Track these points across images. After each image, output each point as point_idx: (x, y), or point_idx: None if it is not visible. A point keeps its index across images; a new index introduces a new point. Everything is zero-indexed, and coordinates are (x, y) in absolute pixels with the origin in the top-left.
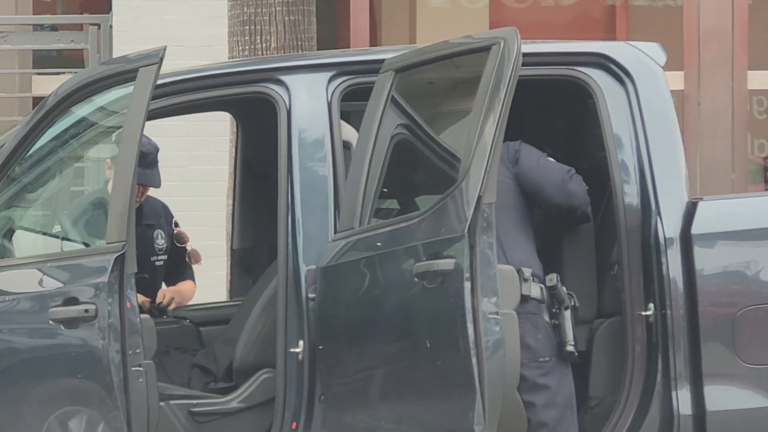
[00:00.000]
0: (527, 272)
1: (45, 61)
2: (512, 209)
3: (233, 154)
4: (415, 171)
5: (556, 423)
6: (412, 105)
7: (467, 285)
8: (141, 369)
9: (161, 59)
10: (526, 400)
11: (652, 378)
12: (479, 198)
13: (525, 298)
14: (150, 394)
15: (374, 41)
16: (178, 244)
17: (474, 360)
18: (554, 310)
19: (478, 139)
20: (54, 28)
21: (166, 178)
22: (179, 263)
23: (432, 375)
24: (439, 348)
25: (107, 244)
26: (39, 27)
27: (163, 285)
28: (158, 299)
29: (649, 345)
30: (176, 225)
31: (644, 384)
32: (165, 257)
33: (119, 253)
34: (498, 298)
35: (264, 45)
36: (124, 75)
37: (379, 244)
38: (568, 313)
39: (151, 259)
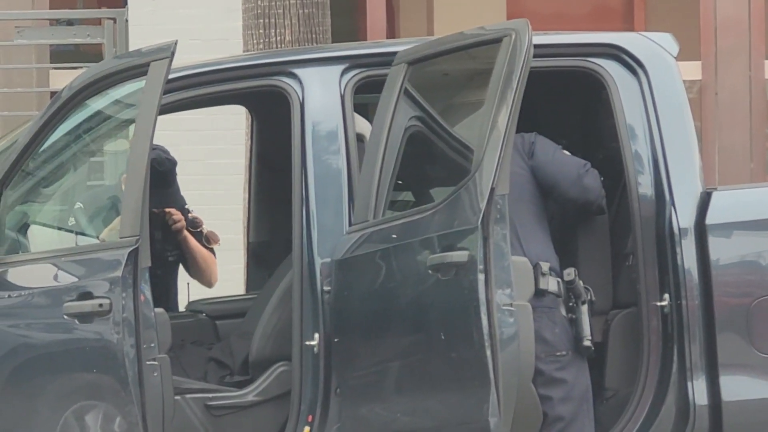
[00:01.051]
0: (545, 266)
1: (63, 55)
2: (528, 201)
3: (249, 148)
4: (429, 163)
5: (573, 417)
6: (425, 97)
7: (481, 277)
8: (156, 363)
9: (173, 53)
10: (542, 393)
11: (667, 368)
12: (492, 189)
13: (542, 293)
14: (165, 388)
15: (391, 33)
16: (193, 229)
17: (488, 352)
18: (571, 304)
19: (491, 130)
20: (70, 22)
21: (184, 172)
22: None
23: (446, 367)
24: (453, 340)
25: (121, 238)
26: (56, 22)
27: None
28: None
29: (664, 336)
30: (189, 211)
31: (660, 375)
32: (178, 252)
33: (133, 248)
34: (512, 289)
35: (278, 38)
36: (137, 69)
37: (393, 236)
38: (585, 308)
39: (164, 255)
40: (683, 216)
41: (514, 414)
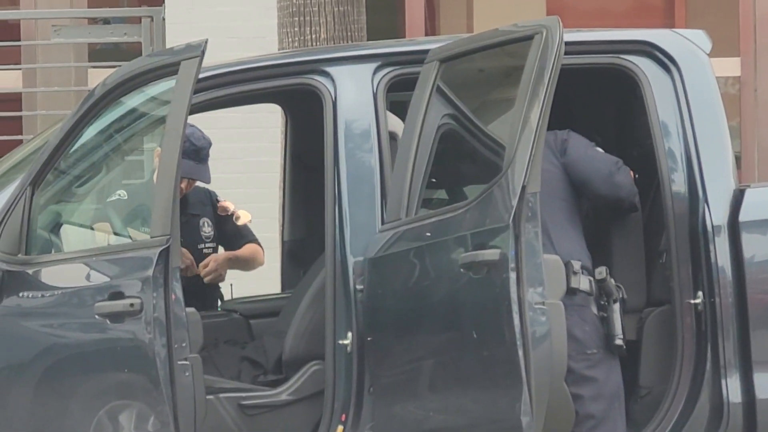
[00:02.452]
0: (576, 265)
1: (103, 54)
2: (561, 199)
3: (283, 146)
4: (461, 161)
5: (604, 415)
6: (457, 95)
7: (513, 275)
8: (187, 363)
9: (203, 52)
10: (573, 392)
11: (701, 366)
12: (524, 187)
13: (573, 291)
14: (196, 387)
15: (431, 31)
16: (222, 214)
17: (520, 351)
18: (602, 302)
19: (522, 128)
20: (107, 21)
21: (221, 170)
22: (233, 234)
23: (479, 366)
24: (485, 339)
25: (152, 238)
26: (93, 20)
27: None
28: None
29: (698, 333)
30: (219, 200)
31: (694, 372)
32: (213, 245)
33: (164, 247)
34: (544, 288)
35: (313, 36)
36: (168, 68)
37: (427, 234)
38: (616, 306)
39: (199, 247)
40: (716, 213)
41: (546, 413)
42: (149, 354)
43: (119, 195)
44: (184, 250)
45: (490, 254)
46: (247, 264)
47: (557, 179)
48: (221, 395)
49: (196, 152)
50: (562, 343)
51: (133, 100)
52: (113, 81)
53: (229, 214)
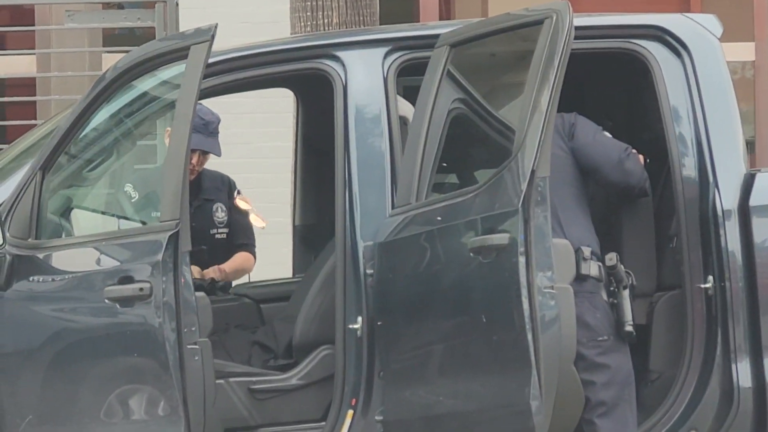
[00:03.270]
0: (587, 251)
1: (117, 38)
2: (569, 183)
3: (295, 131)
4: (472, 145)
5: (615, 401)
6: (467, 79)
7: (522, 259)
8: (197, 347)
9: (213, 37)
10: (585, 378)
11: (711, 351)
12: (533, 172)
13: (583, 277)
14: (206, 372)
15: (445, 16)
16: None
17: (529, 335)
18: (612, 288)
19: (532, 112)
20: (121, 6)
21: (235, 155)
22: (236, 230)
23: (488, 350)
24: (494, 323)
25: (161, 222)
26: (108, 5)
27: None
28: (212, 274)
29: (708, 318)
30: (238, 193)
31: (704, 357)
32: (226, 230)
33: (173, 232)
34: (553, 272)
35: (325, 21)
36: (178, 52)
37: (436, 219)
38: (626, 293)
39: (211, 232)
40: (727, 198)
41: (555, 397)
42: (159, 338)
43: (127, 190)
44: (195, 268)
45: (500, 238)
46: (234, 276)
47: (565, 164)
48: (231, 379)
49: (204, 126)
50: (571, 327)
51: (143, 85)
52: (124, 65)
53: (243, 211)
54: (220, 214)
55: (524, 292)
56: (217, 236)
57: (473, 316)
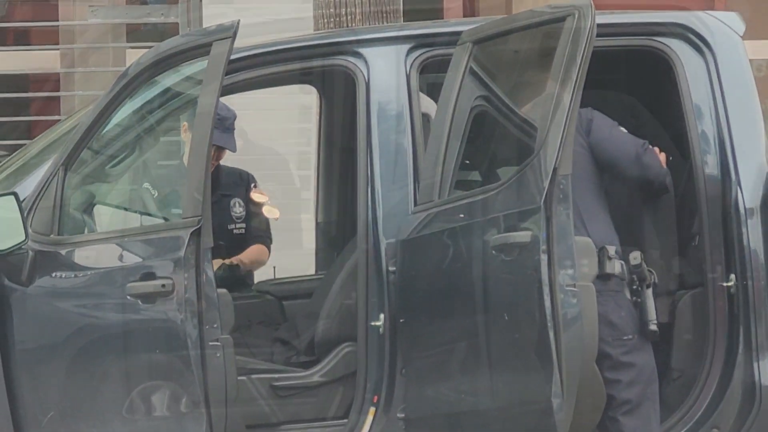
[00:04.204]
0: (611, 250)
1: (140, 35)
2: (588, 180)
3: (318, 127)
4: (494, 143)
5: (640, 400)
6: (490, 76)
7: (544, 257)
8: (218, 344)
9: (235, 33)
10: (610, 377)
11: (733, 349)
12: (555, 169)
13: (608, 276)
14: (228, 368)
15: (469, 12)
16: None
17: (551, 333)
18: (635, 287)
19: (554, 110)
20: (144, 1)
21: (256, 152)
22: (252, 224)
23: (510, 348)
24: (516, 321)
25: (183, 219)
26: (131, 0)
27: None
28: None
29: (730, 316)
30: (255, 186)
31: (726, 355)
32: (244, 225)
33: (195, 228)
34: (575, 270)
35: (349, 18)
36: (200, 48)
37: (459, 216)
38: (649, 291)
39: (229, 227)
40: (749, 195)
41: (577, 395)
42: (181, 335)
43: (148, 186)
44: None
45: (522, 236)
46: (250, 268)
47: (585, 160)
48: (254, 376)
49: (220, 121)
50: (593, 325)
51: (166, 81)
52: (146, 61)
53: (258, 204)
54: (238, 209)
55: (546, 289)
56: (235, 231)
57: (495, 313)
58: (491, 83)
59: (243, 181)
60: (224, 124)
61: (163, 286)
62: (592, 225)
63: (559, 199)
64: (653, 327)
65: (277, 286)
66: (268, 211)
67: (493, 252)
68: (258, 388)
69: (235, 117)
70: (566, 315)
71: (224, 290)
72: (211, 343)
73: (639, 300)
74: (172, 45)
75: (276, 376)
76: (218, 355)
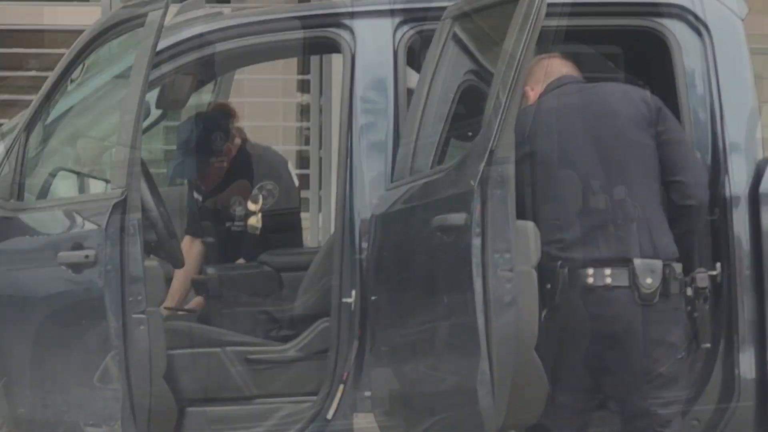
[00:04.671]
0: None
1: None
2: (655, 180)
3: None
4: (465, 121)
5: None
6: (466, 53)
7: (477, 240)
8: (143, 316)
9: (167, 4)
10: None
11: (716, 341)
12: (492, 151)
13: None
14: (153, 341)
15: None
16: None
17: (481, 317)
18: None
19: (497, 92)
20: None
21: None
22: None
23: (448, 331)
24: (453, 304)
25: (111, 189)
26: None
27: None
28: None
29: (715, 306)
30: (259, 189)
31: (709, 347)
32: (242, 224)
33: (118, 200)
34: (512, 254)
35: None
36: (138, 18)
37: (417, 195)
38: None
39: (227, 225)
40: (737, 184)
41: (514, 385)
42: (103, 306)
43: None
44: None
45: (457, 218)
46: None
47: (653, 156)
48: (228, 348)
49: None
50: (532, 311)
51: (110, 49)
52: (93, 31)
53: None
54: (238, 208)
55: (477, 272)
56: (233, 228)
57: (438, 296)
58: (467, 61)
59: (259, 179)
60: (186, 147)
61: (87, 256)
62: (662, 238)
63: (497, 182)
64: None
65: (276, 257)
66: (251, 221)
67: (438, 233)
68: (232, 360)
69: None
70: (499, 300)
71: (154, 263)
72: (134, 316)
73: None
74: (114, 15)
75: (251, 349)
76: (142, 327)
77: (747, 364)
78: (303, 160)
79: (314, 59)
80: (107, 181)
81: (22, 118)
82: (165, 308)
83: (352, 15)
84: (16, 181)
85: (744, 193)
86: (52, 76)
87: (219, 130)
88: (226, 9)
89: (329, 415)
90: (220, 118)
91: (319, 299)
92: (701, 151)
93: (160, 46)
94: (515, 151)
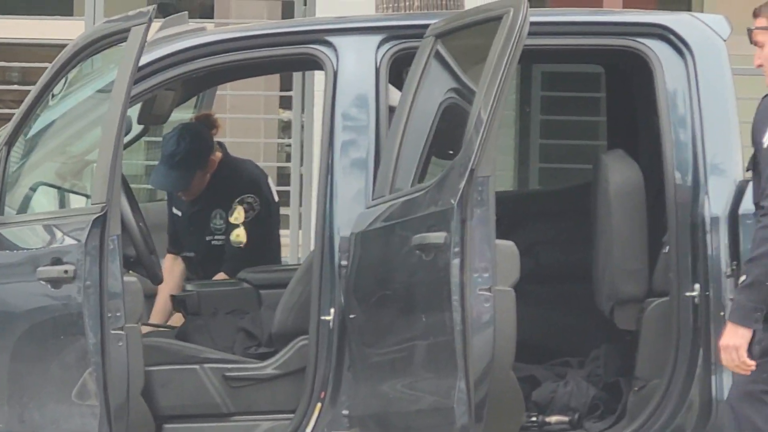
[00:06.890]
0: None
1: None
2: None
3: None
4: (447, 140)
5: None
6: (448, 72)
7: (456, 260)
8: (122, 332)
9: (150, 19)
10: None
11: (694, 362)
12: (472, 170)
13: None
14: (131, 358)
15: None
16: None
17: (459, 337)
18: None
19: (478, 110)
20: None
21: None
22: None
23: (426, 350)
24: (431, 323)
25: (91, 204)
26: None
27: None
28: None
29: (694, 327)
30: (240, 202)
31: (687, 368)
32: (223, 237)
33: (98, 215)
34: (492, 274)
35: (407, 3)
36: (121, 34)
37: (396, 213)
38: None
39: (207, 239)
40: (716, 205)
41: (494, 402)
42: (80, 322)
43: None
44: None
45: (436, 237)
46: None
47: None
48: (206, 365)
49: (168, 157)
50: (510, 330)
51: (93, 64)
52: (77, 44)
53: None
54: (218, 221)
55: (456, 291)
56: (213, 242)
57: (416, 315)
58: (449, 79)
59: (236, 194)
60: (172, 159)
61: (66, 272)
62: None
63: (477, 202)
64: None
65: (255, 274)
66: (235, 234)
67: (417, 252)
68: (210, 377)
69: (187, 152)
70: (477, 319)
71: (134, 279)
72: (113, 332)
73: None
74: (97, 30)
75: (229, 366)
76: (120, 344)
77: (723, 387)
78: (284, 177)
79: (296, 76)
80: (88, 196)
81: (3, 131)
82: (144, 324)
83: (335, 32)
84: None
85: (724, 213)
86: (34, 90)
87: (204, 140)
88: (209, 25)
89: None
90: (205, 128)
91: (297, 317)
92: (681, 172)
93: (143, 61)
94: None
